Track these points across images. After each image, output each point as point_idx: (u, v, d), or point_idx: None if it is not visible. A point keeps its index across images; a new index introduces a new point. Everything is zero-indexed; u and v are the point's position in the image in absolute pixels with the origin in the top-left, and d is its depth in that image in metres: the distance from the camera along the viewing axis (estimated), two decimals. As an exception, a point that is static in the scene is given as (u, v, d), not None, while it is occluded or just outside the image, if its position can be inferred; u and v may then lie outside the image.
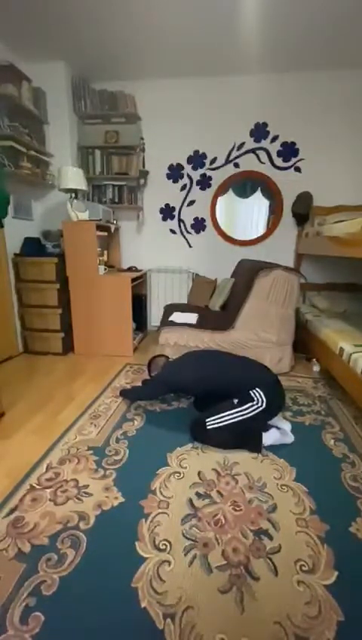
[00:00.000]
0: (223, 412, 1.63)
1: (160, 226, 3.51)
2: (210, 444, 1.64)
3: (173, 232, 3.51)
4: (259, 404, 1.61)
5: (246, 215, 3.41)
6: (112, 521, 1.20)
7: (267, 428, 1.69)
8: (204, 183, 3.33)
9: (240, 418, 1.60)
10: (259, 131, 3.14)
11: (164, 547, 1.10)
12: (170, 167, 3.34)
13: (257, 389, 1.63)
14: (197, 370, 1.83)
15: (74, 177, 2.75)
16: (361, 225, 1.87)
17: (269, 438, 1.64)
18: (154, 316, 3.66)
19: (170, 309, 2.93)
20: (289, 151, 3.15)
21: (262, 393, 1.62)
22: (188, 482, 1.40)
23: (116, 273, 3.16)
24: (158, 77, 3.10)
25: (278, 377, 1.79)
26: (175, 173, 3.35)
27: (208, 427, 1.62)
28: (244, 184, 3.30)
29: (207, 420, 1.63)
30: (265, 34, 2.46)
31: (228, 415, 1.61)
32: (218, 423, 1.62)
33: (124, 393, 2.11)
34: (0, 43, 2.60)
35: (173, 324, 2.65)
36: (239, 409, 1.62)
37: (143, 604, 0.92)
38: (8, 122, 2.53)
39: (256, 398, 1.62)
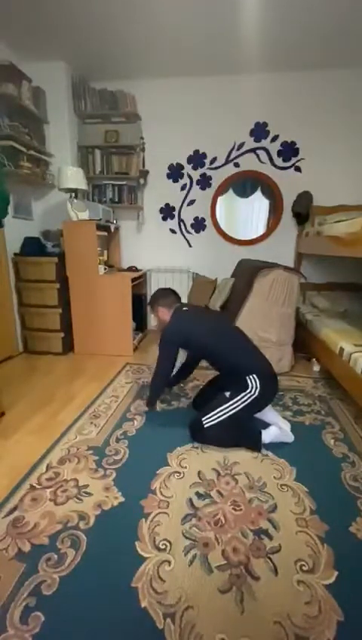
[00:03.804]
0: (217, 408, 1.63)
1: (160, 226, 3.51)
2: (209, 443, 1.64)
3: (173, 231, 3.51)
4: (253, 393, 1.60)
5: (247, 215, 3.41)
6: (112, 520, 1.20)
7: (266, 426, 1.69)
8: (204, 182, 3.33)
9: (235, 410, 1.60)
10: (259, 131, 3.14)
11: (164, 547, 1.09)
12: (170, 167, 3.34)
13: (254, 375, 1.62)
14: (211, 331, 1.77)
15: (74, 177, 2.75)
16: (361, 225, 1.88)
17: (268, 435, 1.64)
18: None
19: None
20: (289, 151, 3.15)
21: (258, 381, 1.61)
22: (188, 482, 1.40)
23: (116, 273, 3.16)
24: (158, 77, 3.10)
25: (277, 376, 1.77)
26: (175, 172, 3.35)
27: (205, 425, 1.62)
28: (244, 184, 3.30)
29: (203, 419, 1.63)
30: (265, 34, 2.46)
31: (223, 409, 1.61)
32: (214, 419, 1.61)
33: (150, 400, 1.98)
34: (0, 43, 2.60)
35: (173, 323, 2.65)
36: (232, 401, 1.61)
37: (143, 604, 0.92)
38: (8, 122, 2.53)
39: (250, 385, 1.61)
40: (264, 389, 1.62)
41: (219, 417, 1.61)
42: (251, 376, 1.62)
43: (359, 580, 1.01)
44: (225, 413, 1.61)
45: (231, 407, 1.61)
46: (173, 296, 1.96)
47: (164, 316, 1.91)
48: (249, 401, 1.61)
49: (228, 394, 1.65)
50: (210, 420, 1.62)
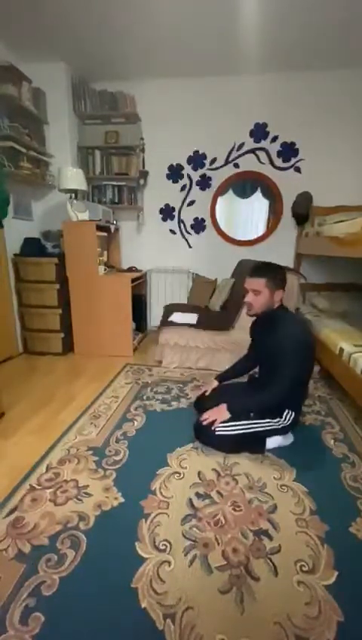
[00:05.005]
0: (236, 421, 1.58)
1: (160, 226, 3.51)
2: (211, 446, 1.62)
3: (172, 232, 3.51)
4: (278, 425, 1.59)
5: (246, 215, 3.41)
6: (112, 521, 1.20)
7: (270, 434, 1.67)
8: (204, 183, 3.33)
9: (251, 430, 1.58)
10: (259, 131, 3.14)
11: (164, 547, 1.09)
12: (170, 168, 3.34)
13: (294, 414, 1.60)
14: (313, 348, 1.60)
15: (74, 178, 2.75)
16: (361, 225, 1.88)
17: (272, 442, 1.62)
18: (154, 316, 3.66)
19: (170, 309, 2.93)
20: (289, 151, 3.15)
21: (291, 419, 1.60)
22: (188, 482, 1.40)
23: (116, 273, 3.16)
24: (158, 77, 3.10)
25: None
26: (175, 173, 3.35)
27: (216, 432, 1.56)
28: (244, 184, 3.30)
29: (216, 425, 1.58)
30: (265, 34, 2.46)
31: (240, 425, 1.57)
32: (228, 430, 1.57)
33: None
34: (0, 43, 2.60)
35: (173, 324, 2.65)
36: (254, 422, 1.58)
37: (143, 605, 0.92)
38: (8, 122, 2.53)
39: (284, 417, 1.59)
40: (288, 427, 1.62)
41: (232, 431, 1.57)
42: (291, 413, 1.60)
43: (359, 580, 1.01)
44: (240, 429, 1.57)
45: (250, 426, 1.57)
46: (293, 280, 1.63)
47: (272, 301, 1.57)
48: (269, 428, 1.59)
49: (252, 414, 1.61)
50: (224, 429, 1.56)
